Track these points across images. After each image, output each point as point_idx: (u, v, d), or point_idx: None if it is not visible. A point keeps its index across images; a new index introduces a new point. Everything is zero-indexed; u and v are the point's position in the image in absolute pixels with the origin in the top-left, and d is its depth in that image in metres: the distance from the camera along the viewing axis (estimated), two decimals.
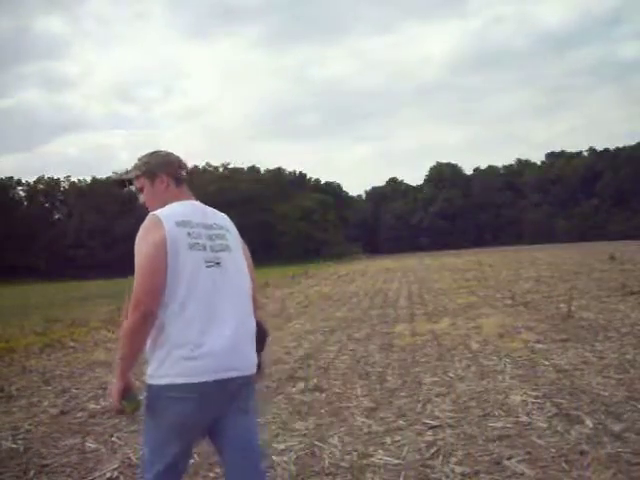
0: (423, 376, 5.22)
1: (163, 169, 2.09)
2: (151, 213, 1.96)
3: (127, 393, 1.96)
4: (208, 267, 1.93)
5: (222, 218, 2.14)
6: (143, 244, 1.89)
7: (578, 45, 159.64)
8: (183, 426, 1.90)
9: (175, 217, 1.93)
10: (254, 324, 2.07)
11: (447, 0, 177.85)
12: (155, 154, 2.15)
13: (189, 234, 1.92)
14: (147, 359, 1.94)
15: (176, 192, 2.08)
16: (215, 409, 1.93)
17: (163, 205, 2.02)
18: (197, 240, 1.94)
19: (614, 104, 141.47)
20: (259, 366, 2.14)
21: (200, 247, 1.94)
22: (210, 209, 2.13)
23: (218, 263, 1.97)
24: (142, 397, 1.99)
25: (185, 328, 1.86)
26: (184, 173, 2.15)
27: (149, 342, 1.91)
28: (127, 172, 2.20)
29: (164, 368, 1.86)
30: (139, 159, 2.16)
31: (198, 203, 2.11)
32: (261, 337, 2.15)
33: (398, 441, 3.60)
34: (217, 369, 1.87)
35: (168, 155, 2.16)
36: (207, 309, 1.90)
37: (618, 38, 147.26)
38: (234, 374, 1.91)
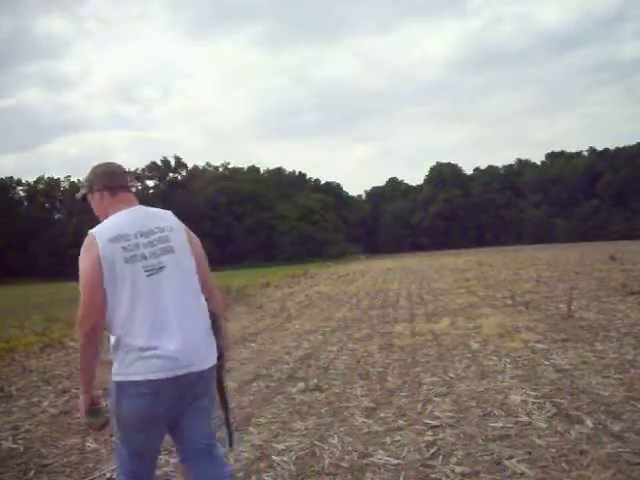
0: (423, 376, 5.22)
1: (99, 181, 2.17)
2: (89, 232, 2.06)
3: (93, 407, 2.11)
4: (149, 275, 2.03)
5: (165, 219, 2.17)
6: (82, 264, 2.01)
7: (578, 45, 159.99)
8: (142, 419, 2.01)
9: (109, 233, 2.02)
10: (205, 320, 2.14)
11: (447, 0, 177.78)
12: (94, 168, 2.23)
13: (124, 248, 2.00)
14: (111, 360, 2.07)
15: (112, 201, 2.15)
16: (170, 404, 2.03)
17: (106, 216, 2.13)
18: (134, 252, 2.02)
19: (614, 104, 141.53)
20: (220, 356, 2.19)
21: (139, 257, 2.02)
22: (153, 211, 2.19)
23: (161, 268, 2.05)
24: (108, 412, 2.10)
25: (135, 334, 1.99)
26: (121, 181, 2.20)
27: (111, 345, 2.05)
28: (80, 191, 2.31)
29: (122, 367, 2.01)
30: (86, 176, 2.26)
31: (138, 208, 2.16)
32: (216, 326, 2.19)
33: (398, 441, 3.59)
34: (168, 367, 1.98)
35: (105, 166, 2.23)
36: (153, 314, 2.00)
37: (618, 38, 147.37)
38: (185, 371, 2.00)
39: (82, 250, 2.02)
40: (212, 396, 2.19)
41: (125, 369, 1.99)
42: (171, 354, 1.98)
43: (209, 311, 2.17)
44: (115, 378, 2.02)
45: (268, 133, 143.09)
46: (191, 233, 2.24)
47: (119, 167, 2.26)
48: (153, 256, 2.05)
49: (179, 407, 2.06)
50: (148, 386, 1.96)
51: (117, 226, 2.05)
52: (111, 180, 2.17)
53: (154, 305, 2.01)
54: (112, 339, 2.04)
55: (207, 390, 2.14)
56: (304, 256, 57.60)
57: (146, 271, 2.02)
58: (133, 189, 2.28)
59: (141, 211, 2.16)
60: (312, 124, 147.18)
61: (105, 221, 2.09)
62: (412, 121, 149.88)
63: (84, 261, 2.00)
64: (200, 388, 2.09)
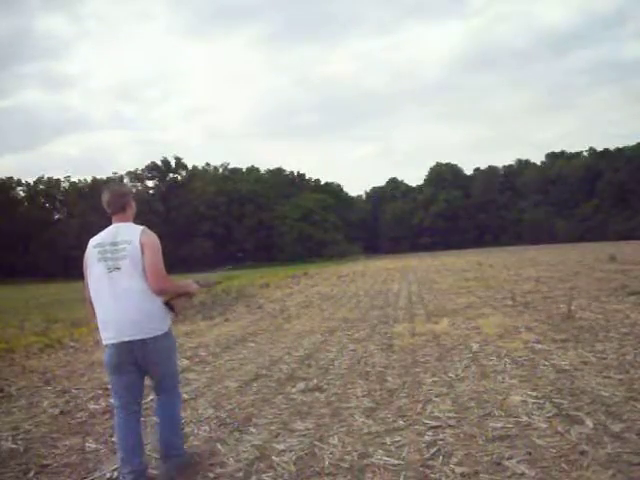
0: (423, 376, 5.22)
1: (104, 206, 3.24)
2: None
3: None
4: (109, 272, 3.07)
5: (130, 234, 3.10)
6: None
7: (578, 45, 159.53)
8: (111, 365, 3.12)
9: (94, 241, 3.15)
10: (144, 305, 3.07)
11: (448, 0, 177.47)
12: (102, 195, 3.28)
13: (99, 251, 3.10)
14: None
15: (114, 220, 3.21)
16: (127, 358, 3.07)
17: None
18: (104, 255, 3.08)
19: (614, 104, 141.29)
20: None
21: (105, 259, 3.07)
22: (125, 228, 3.14)
23: (118, 268, 3.05)
24: None
25: (99, 310, 3.12)
26: (113, 207, 3.20)
27: None
28: None
29: (101, 333, 3.15)
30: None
31: (117, 226, 3.16)
32: (169, 307, 3.22)
33: (398, 441, 3.60)
34: (116, 336, 3.06)
35: (104, 195, 3.24)
36: (107, 298, 3.07)
37: (619, 38, 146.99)
38: (128, 339, 3.04)
39: None
40: (163, 356, 3.17)
41: (101, 335, 3.13)
42: (116, 327, 3.05)
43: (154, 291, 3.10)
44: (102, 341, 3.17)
45: (268, 133, 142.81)
46: (148, 242, 3.08)
47: (117, 193, 3.24)
48: (114, 259, 3.06)
49: (136, 360, 3.08)
50: (109, 347, 3.09)
51: (99, 237, 3.15)
52: (109, 206, 3.21)
53: (108, 292, 3.06)
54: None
55: (157, 352, 3.12)
56: (304, 256, 57.68)
57: (107, 269, 3.07)
58: (126, 208, 3.22)
59: (117, 228, 3.14)
60: (312, 124, 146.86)
61: (99, 233, 3.17)
62: (412, 121, 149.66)
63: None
64: (146, 351, 3.08)
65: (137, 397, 3.21)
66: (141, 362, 3.10)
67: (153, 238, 3.13)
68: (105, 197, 3.20)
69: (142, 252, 3.05)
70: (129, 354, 3.05)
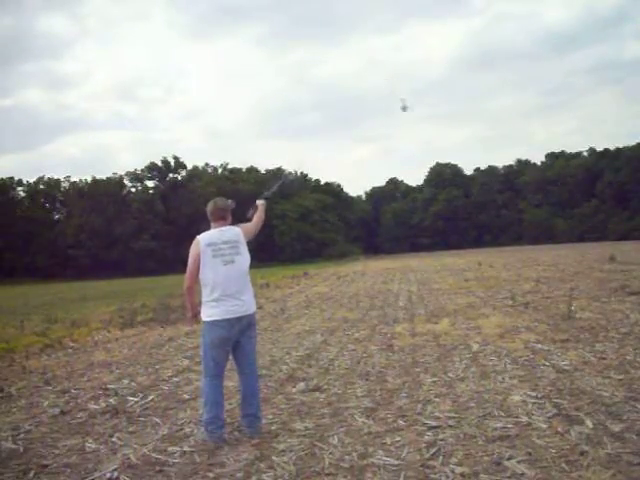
0: (423, 376, 5.22)
1: (209, 214, 4.07)
2: (196, 237, 3.94)
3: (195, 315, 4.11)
4: (225, 265, 3.86)
5: (235, 235, 3.97)
6: (190, 253, 3.91)
7: (579, 45, 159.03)
8: (219, 340, 3.84)
9: (205, 241, 3.90)
10: (250, 289, 4.00)
11: (448, 0, 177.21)
12: (210, 204, 4.09)
13: (213, 249, 3.86)
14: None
15: (214, 225, 4.02)
16: (232, 332, 3.84)
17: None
18: (219, 252, 3.86)
19: (614, 104, 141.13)
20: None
21: (220, 254, 3.86)
22: (231, 230, 3.98)
23: (232, 261, 3.88)
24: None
25: (217, 294, 3.83)
26: (218, 214, 4.02)
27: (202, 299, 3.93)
28: None
29: (207, 313, 3.86)
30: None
31: (224, 228, 3.98)
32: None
33: (398, 441, 3.60)
34: (227, 313, 3.82)
35: (212, 205, 4.06)
36: (224, 284, 3.84)
37: (619, 38, 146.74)
38: (241, 314, 3.85)
39: (192, 245, 3.91)
40: (255, 329, 4.03)
41: (207, 313, 3.85)
42: (232, 306, 3.83)
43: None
44: (205, 319, 3.88)
45: (268, 133, 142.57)
46: (245, 230, 4.06)
47: (219, 206, 4.05)
48: (230, 254, 3.88)
49: (237, 335, 3.86)
50: (221, 322, 3.80)
51: (209, 237, 3.91)
52: (212, 215, 4.03)
53: (225, 280, 3.84)
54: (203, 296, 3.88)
55: (252, 327, 3.97)
56: (304, 256, 57.63)
57: (223, 262, 3.85)
58: (226, 217, 4.04)
59: (224, 231, 3.94)
60: (312, 124, 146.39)
61: (206, 232, 3.95)
62: (412, 121, 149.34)
63: (192, 252, 3.89)
64: (247, 324, 3.89)
65: (224, 366, 3.99)
66: (239, 336, 3.88)
67: (242, 225, 4.12)
68: (210, 208, 4.03)
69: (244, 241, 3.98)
70: (237, 327, 3.83)
